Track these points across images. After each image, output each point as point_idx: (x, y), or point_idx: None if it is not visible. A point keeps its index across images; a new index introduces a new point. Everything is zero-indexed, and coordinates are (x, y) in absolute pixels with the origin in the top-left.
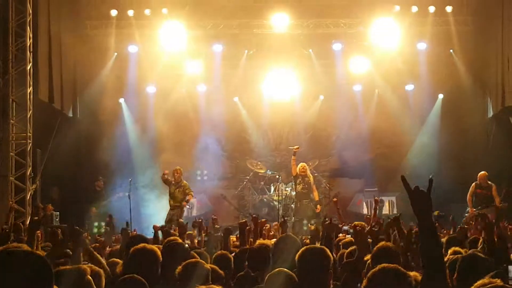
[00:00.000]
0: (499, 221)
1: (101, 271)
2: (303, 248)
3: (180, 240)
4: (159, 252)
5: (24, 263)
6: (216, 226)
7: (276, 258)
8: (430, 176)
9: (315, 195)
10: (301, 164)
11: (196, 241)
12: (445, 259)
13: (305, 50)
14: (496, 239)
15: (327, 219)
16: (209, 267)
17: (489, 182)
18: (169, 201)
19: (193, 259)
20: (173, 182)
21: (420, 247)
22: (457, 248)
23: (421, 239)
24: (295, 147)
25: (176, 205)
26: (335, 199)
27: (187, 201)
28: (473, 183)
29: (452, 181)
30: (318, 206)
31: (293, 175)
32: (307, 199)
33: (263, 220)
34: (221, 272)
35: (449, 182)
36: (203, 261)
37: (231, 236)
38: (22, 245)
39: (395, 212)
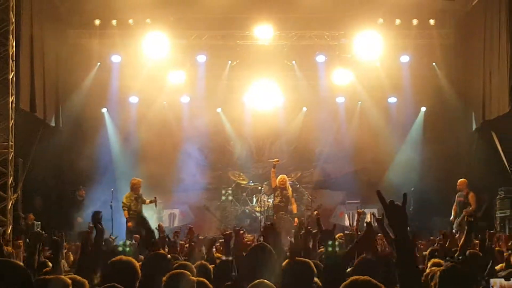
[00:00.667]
0: (469, 233)
1: (86, 282)
2: (287, 261)
3: (162, 251)
4: (136, 264)
5: (3, 272)
6: (200, 237)
7: (252, 268)
8: (410, 192)
9: (293, 208)
10: (280, 176)
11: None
12: (427, 271)
13: (288, 62)
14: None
15: (302, 230)
16: (195, 279)
17: (468, 190)
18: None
19: (178, 270)
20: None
21: (396, 261)
22: (436, 260)
23: (397, 252)
24: (275, 159)
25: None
26: (316, 212)
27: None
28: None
29: (434, 195)
30: (296, 219)
31: (273, 187)
32: (284, 211)
33: (242, 232)
34: (210, 286)
35: (431, 195)
36: (189, 273)
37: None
38: None
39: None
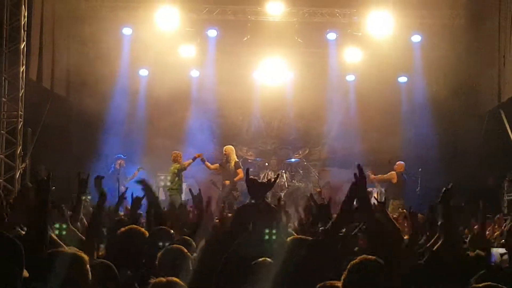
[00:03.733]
0: None
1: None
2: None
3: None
4: (145, 235)
5: None
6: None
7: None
8: (418, 172)
9: (237, 179)
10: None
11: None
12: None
13: (299, 39)
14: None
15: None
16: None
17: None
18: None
19: (175, 246)
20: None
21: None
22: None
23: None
24: (197, 154)
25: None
26: (319, 190)
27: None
28: None
29: (441, 176)
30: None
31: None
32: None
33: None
34: None
35: (438, 176)
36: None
37: None
38: None
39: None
